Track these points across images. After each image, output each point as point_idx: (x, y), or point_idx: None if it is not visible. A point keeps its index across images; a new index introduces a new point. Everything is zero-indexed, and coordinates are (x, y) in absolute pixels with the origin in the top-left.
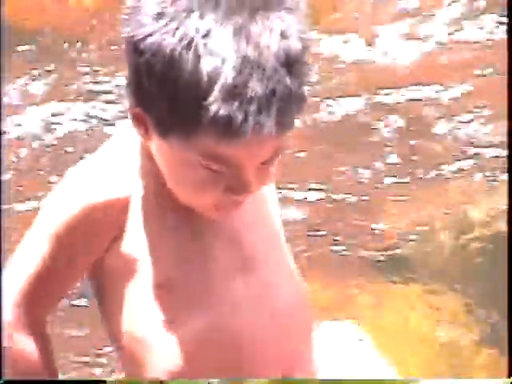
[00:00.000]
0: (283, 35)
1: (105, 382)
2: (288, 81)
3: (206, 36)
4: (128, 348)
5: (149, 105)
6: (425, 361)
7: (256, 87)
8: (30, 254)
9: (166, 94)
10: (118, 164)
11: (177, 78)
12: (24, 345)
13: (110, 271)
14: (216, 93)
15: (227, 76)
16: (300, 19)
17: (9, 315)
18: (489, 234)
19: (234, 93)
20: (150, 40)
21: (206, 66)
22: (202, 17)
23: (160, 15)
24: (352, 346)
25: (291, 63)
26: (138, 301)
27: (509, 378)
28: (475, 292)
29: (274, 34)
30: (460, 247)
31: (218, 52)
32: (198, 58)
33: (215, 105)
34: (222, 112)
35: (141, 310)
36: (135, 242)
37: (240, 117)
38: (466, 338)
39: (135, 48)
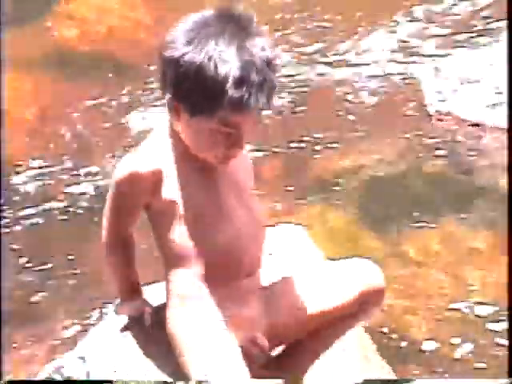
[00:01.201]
0: (263, 48)
1: (111, 382)
2: (271, 74)
3: (220, 52)
4: (171, 256)
5: (184, 97)
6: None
7: (254, 78)
8: (110, 203)
9: (198, 89)
10: (156, 145)
11: (204, 78)
12: (115, 253)
13: (156, 210)
14: (230, 83)
15: (236, 72)
16: (267, 39)
17: (104, 239)
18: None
19: (241, 82)
20: (186, 57)
21: (222, 69)
22: (216, 42)
23: (189, 42)
24: (297, 242)
25: (270, 64)
26: (176, 227)
27: (509, 378)
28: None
29: (258, 48)
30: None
31: (229, 60)
32: (216, 65)
33: (230, 90)
34: (234, 94)
35: (179, 233)
36: (171, 191)
37: (246, 96)
38: (358, 225)
39: (176, 62)
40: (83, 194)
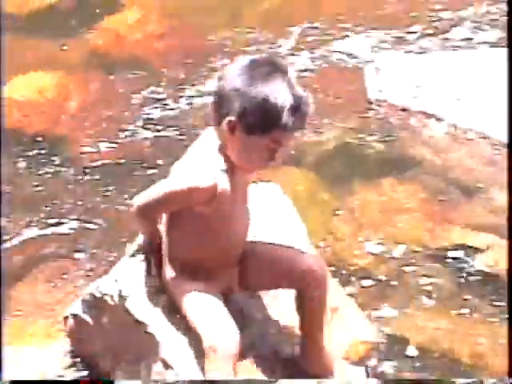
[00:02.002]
0: (300, 87)
1: (112, 382)
2: (310, 106)
3: (278, 88)
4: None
5: (246, 120)
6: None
7: (301, 108)
8: (162, 191)
9: (260, 114)
10: (210, 161)
11: (266, 107)
12: (145, 224)
13: (198, 213)
14: (286, 111)
15: (290, 103)
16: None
17: (142, 207)
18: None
19: (293, 111)
20: (252, 91)
21: (280, 100)
22: (273, 80)
23: (251, 78)
24: (275, 197)
25: (308, 99)
26: (203, 226)
27: (509, 377)
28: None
29: (298, 86)
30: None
31: (284, 95)
32: (276, 98)
33: (285, 116)
34: (288, 121)
35: (200, 233)
36: (221, 201)
37: (296, 121)
38: (317, 185)
39: (243, 94)
40: None
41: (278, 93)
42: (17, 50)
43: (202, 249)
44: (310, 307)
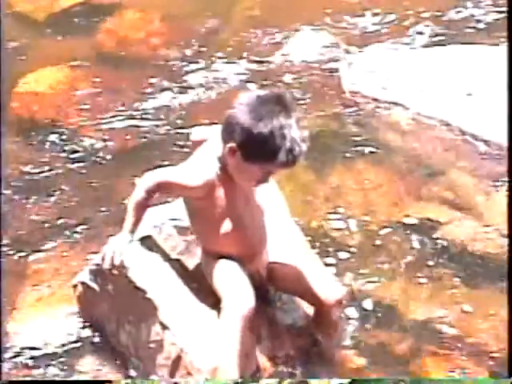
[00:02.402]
0: (300, 127)
1: (111, 382)
2: (304, 147)
3: (277, 130)
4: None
5: (245, 149)
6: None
7: (295, 150)
8: (164, 178)
9: (258, 149)
10: (212, 165)
11: (265, 145)
12: (139, 197)
13: (199, 205)
14: (282, 152)
15: (287, 146)
16: (299, 113)
17: (146, 187)
18: None
19: (289, 152)
20: (254, 130)
21: (278, 142)
22: (273, 121)
23: (254, 118)
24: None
25: (304, 140)
26: (211, 218)
27: (509, 378)
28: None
29: (298, 126)
30: None
31: (282, 137)
32: (275, 139)
33: (281, 156)
34: (283, 159)
35: (212, 224)
36: (217, 196)
37: (289, 160)
38: (301, 176)
39: (247, 130)
40: None
41: (278, 134)
42: (37, 48)
43: (219, 241)
44: (324, 322)
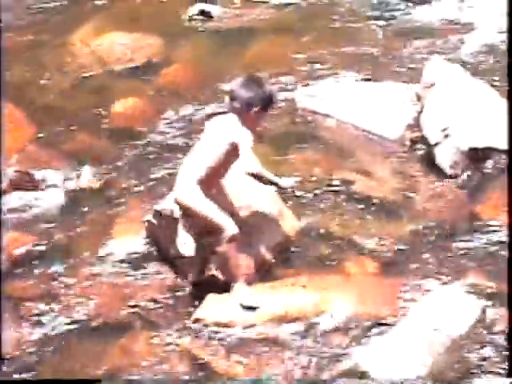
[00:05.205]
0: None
1: (100, 381)
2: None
3: (268, 92)
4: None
5: (261, 105)
6: None
7: (275, 100)
8: (208, 158)
9: (266, 103)
10: (239, 128)
11: (268, 101)
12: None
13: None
14: (272, 102)
15: (273, 99)
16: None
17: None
18: None
19: (273, 101)
20: (258, 96)
21: (270, 98)
22: (264, 87)
23: (257, 87)
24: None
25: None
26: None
27: (509, 377)
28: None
29: (272, 88)
30: None
31: (271, 95)
32: (271, 96)
33: (270, 104)
34: (272, 105)
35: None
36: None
37: (273, 105)
38: (271, 156)
39: (260, 96)
40: None
41: (268, 94)
42: None
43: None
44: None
